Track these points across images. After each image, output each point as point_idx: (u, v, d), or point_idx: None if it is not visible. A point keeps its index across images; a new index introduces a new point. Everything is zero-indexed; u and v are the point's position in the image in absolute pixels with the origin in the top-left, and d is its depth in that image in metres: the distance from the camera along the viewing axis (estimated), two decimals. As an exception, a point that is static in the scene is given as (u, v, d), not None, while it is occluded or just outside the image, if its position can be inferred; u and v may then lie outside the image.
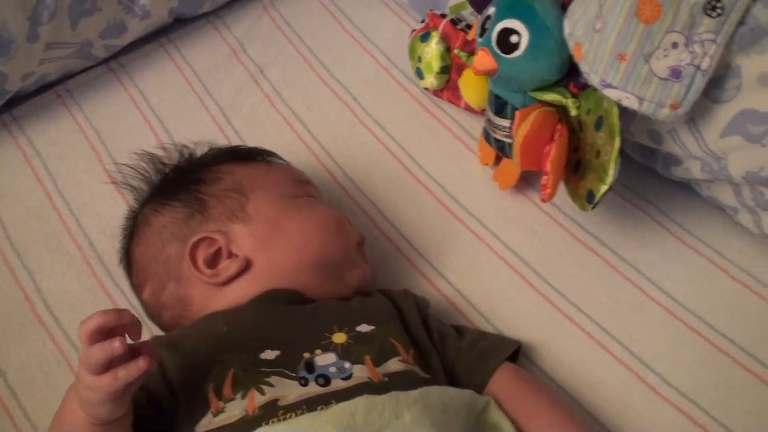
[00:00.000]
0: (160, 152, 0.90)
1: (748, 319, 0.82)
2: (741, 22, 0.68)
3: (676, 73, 0.71)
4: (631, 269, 0.87)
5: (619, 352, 0.81)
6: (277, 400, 0.64)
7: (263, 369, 0.67)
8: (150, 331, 0.84)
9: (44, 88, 1.08)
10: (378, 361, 0.69)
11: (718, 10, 0.68)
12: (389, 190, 0.97)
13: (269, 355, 0.68)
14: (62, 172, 1.00)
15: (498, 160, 0.95)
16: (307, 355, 0.68)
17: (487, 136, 0.92)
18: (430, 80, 1.00)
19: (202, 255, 0.77)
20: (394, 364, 0.69)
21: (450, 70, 1.00)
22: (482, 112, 0.96)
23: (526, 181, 0.94)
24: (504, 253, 0.90)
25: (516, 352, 0.80)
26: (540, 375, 0.80)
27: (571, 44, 0.79)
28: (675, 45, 0.70)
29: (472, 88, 0.95)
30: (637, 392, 0.79)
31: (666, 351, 0.81)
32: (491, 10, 0.84)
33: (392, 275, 0.89)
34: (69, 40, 1.02)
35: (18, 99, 1.06)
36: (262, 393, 0.64)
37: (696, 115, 0.75)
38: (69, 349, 0.85)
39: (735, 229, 0.88)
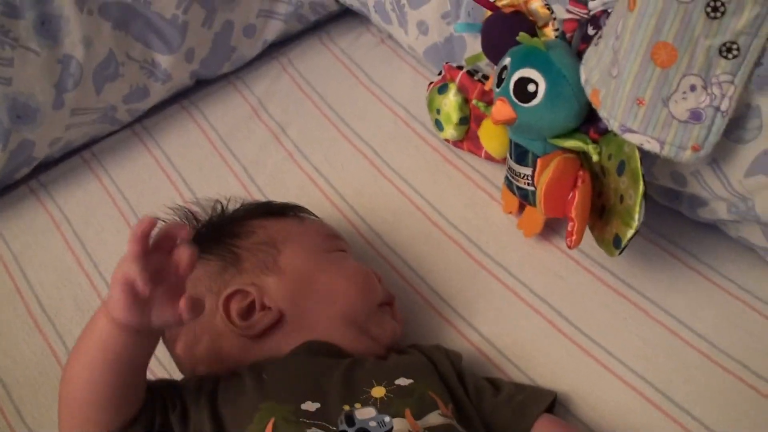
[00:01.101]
0: (192, 207, 0.91)
1: (785, 360, 0.81)
2: (758, 63, 0.69)
3: (696, 116, 0.72)
4: (663, 313, 0.86)
5: (656, 397, 0.80)
6: (317, 451, 0.63)
7: (303, 420, 0.66)
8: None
9: (70, 153, 1.11)
10: (418, 415, 0.68)
11: (734, 52, 0.68)
12: (415, 242, 0.97)
13: (310, 406, 0.68)
14: (90, 236, 1.02)
15: (521, 208, 0.95)
16: (347, 407, 0.68)
17: (509, 184, 0.93)
18: (450, 131, 1.01)
19: (235, 307, 0.78)
20: (434, 418, 0.69)
21: (469, 121, 1.00)
22: (503, 161, 0.96)
23: (551, 227, 0.94)
24: (533, 301, 0.89)
25: (552, 403, 0.79)
26: (577, 425, 0.79)
27: (588, 91, 0.80)
28: (693, 87, 0.71)
29: (491, 137, 0.96)
30: (676, 438, 0.77)
31: (703, 395, 0.79)
32: (507, 61, 0.85)
33: (423, 328, 0.89)
34: (94, 106, 1.04)
35: (45, 165, 1.08)
36: None
37: (719, 156, 0.75)
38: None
39: (766, 268, 0.87)
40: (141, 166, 1.10)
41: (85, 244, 1.01)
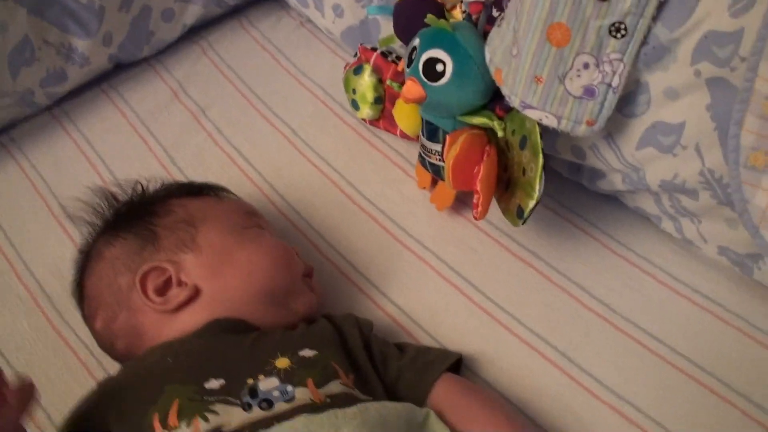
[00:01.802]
0: (112, 188, 0.92)
1: (678, 322, 0.86)
2: (644, 42, 0.74)
3: (589, 92, 0.76)
4: (566, 280, 0.91)
5: (557, 358, 0.85)
6: (221, 426, 0.66)
7: (207, 398, 0.68)
8: (102, 366, 0.86)
9: (-13, 138, 1.11)
10: (320, 384, 0.71)
11: (623, 32, 0.73)
12: (333, 218, 1.00)
13: (214, 384, 0.70)
14: (9, 218, 1.02)
15: (434, 183, 0.99)
16: (250, 381, 0.70)
17: (422, 160, 0.96)
18: (366, 111, 1.04)
19: (152, 284, 0.79)
20: (335, 387, 0.71)
21: (384, 101, 1.04)
22: (417, 138, 1.00)
23: (463, 201, 0.98)
24: (445, 272, 0.93)
25: (458, 365, 0.83)
26: (483, 385, 0.83)
27: (492, 70, 0.84)
28: (586, 65, 0.75)
29: (405, 116, 0.99)
30: (575, 395, 0.82)
31: (601, 355, 0.84)
32: (416, 42, 0.88)
33: (339, 299, 0.92)
34: (10, 90, 1.04)
35: (-39, 150, 1.08)
36: (207, 420, 0.66)
37: (613, 130, 0.80)
38: (22, 392, 0.85)
39: (661, 236, 0.92)
40: (60, 149, 1.10)
41: (3, 225, 1.01)
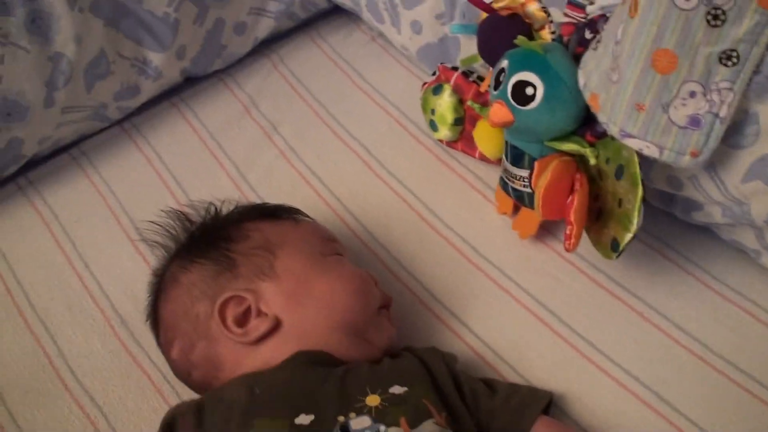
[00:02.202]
0: (186, 209, 0.91)
1: (776, 361, 0.82)
2: (756, 71, 0.70)
3: (695, 122, 0.73)
4: (658, 315, 0.87)
5: (651, 399, 0.81)
6: (314, 465, 0.63)
7: None
8: (176, 392, 0.85)
9: (59, 150, 1.09)
10: (413, 423, 0.68)
11: (734, 60, 0.69)
12: (409, 243, 0.97)
13: (304, 419, 0.68)
14: (81, 234, 1.01)
15: (516, 209, 0.96)
16: (341, 418, 0.68)
17: (504, 186, 0.93)
18: (445, 132, 1.01)
19: (231, 313, 0.77)
20: (428, 426, 0.68)
21: (464, 122, 1.01)
22: (497, 162, 0.97)
23: (546, 229, 0.95)
24: (528, 303, 0.90)
25: (548, 404, 0.79)
26: (572, 425, 0.80)
27: (587, 95, 0.80)
28: (693, 94, 0.72)
29: (487, 138, 0.96)
30: (670, 439, 0.79)
31: (697, 396, 0.81)
32: (504, 63, 0.85)
33: (418, 329, 0.89)
34: (84, 104, 1.03)
35: (33, 162, 1.07)
36: None
37: (716, 161, 0.76)
38: (95, 414, 0.84)
39: (758, 271, 0.88)
40: (131, 163, 1.09)
41: (76, 242, 1.00)
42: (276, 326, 0.77)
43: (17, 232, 1.01)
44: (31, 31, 0.94)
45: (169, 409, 0.75)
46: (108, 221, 1.02)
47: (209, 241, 0.83)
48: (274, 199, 0.97)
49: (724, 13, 0.67)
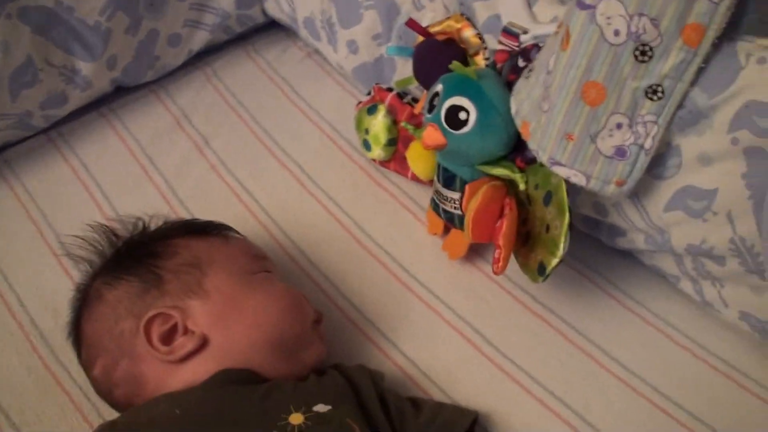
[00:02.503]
0: (112, 224, 0.88)
1: (695, 385, 0.85)
2: (680, 106, 0.72)
3: (621, 152, 0.75)
4: (582, 338, 0.89)
5: (574, 420, 0.82)
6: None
7: None
8: (97, 410, 0.83)
9: (-21, 159, 1.06)
10: None
11: (659, 94, 0.72)
12: (340, 261, 0.97)
13: None
14: (0, 246, 0.97)
15: (446, 230, 0.97)
16: None
17: (435, 207, 0.94)
18: (378, 152, 1.02)
19: (157, 331, 0.75)
20: None
21: (397, 142, 1.02)
22: (429, 182, 0.98)
23: (475, 250, 0.96)
24: (456, 323, 0.91)
25: (473, 423, 0.80)
26: (497, 446, 0.81)
27: (518, 122, 0.82)
28: (620, 126, 0.74)
29: (419, 160, 0.97)
30: (591, 461, 0.80)
31: (619, 418, 0.82)
32: (439, 87, 0.86)
33: (347, 348, 0.89)
34: (8, 111, 1.00)
35: (-47, 170, 1.04)
36: None
37: (640, 190, 0.79)
38: (10, 433, 0.81)
39: (677, 295, 0.91)
40: (56, 174, 1.06)
41: (-3, 257, 0.97)
42: (203, 345, 0.76)
43: (-68, 241, 0.98)
44: (-45, 36, 0.91)
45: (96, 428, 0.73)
46: (30, 233, 0.99)
47: (136, 257, 0.82)
48: (204, 213, 0.96)
49: (651, 49, 0.70)
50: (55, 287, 0.93)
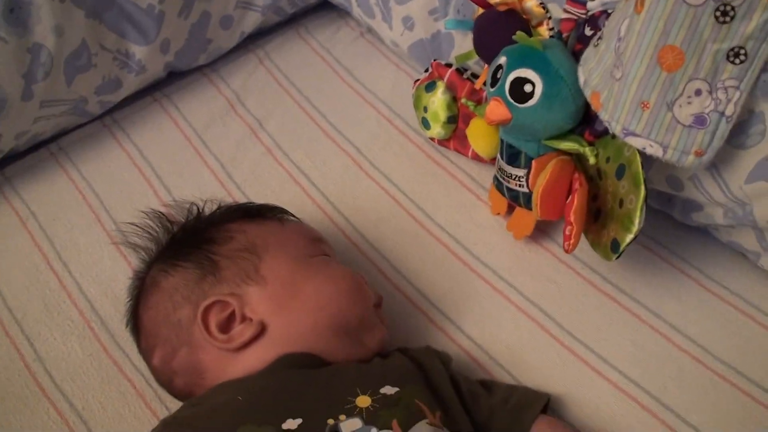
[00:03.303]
0: (166, 210, 0.87)
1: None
2: (764, 69, 0.68)
3: (700, 120, 0.71)
4: (655, 317, 0.85)
5: (649, 402, 0.79)
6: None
7: None
8: (159, 397, 0.82)
9: (37, 146, 1.05)
10: (405, 425, 0.65)
11: (742, 57, 0.68)
12: (401, 243, 0.95)
13: (291, 424, 0.65)
14: (59, 233, 0.97)
15: (510, 209, 0.94)
16: (331, 421, 0.65)
17: (498, 185, 0.91)
18: (437, 130, 0.99)
19: (214, 319, 0.74)
20: (422, 427, 0.66)
21: (457, 120, 0.99)
22: (491, 161, 0.95)
23: (540, 229, 0.93)
24: (523, 305, 0.88)
25: (546, 405, 0.77)
26: (571, 426, 0.78)
27: (587, 93, 0.79)
28: (698, 92, 0.70)
29: (481, 137, 0.94)
30: (670, 444, 0.77)
31: (697, 400, 0.79)
32: (502, 60, 0.83)
33: (409, 332, 0.87)
34: (64, 97, 0.99)
35: (9, 158, 1.03)
36: None
37: (719, 161, 0.75)
38: (74, 420, 0.80)
39: (757, 273, 0.87)
40: (112, 160, 1.05)
41: (54, 241, 0.96)
42: (261, 331, 0.74)
43: (-7, 230, 0.97)
44: (9, 22, 0.90)
45: (160, 421, 0.72)
46: (87, 220, 0.98)
47: (191, 243, 0.80)
48: (260, 197, 0.94)
49: (733, 9, 0.66)
50: (113, 274, 0.92)
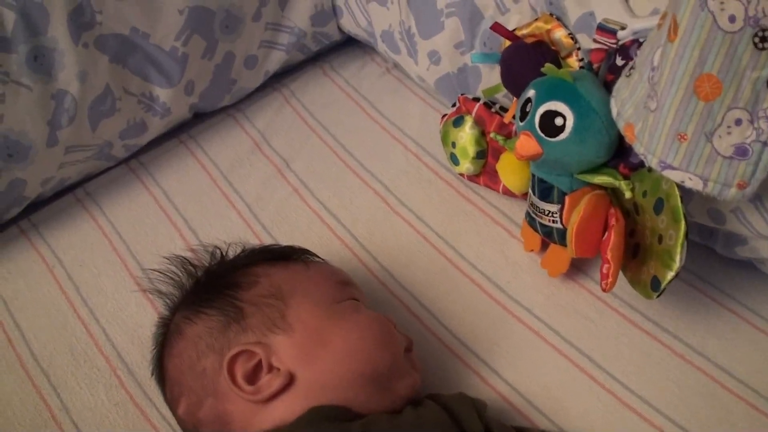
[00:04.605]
0: (189, 254, 0.86)
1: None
2: (807, 95, 0.65)
3: (741, 151, 0.68)
4: (701, 357, 0.81)
5: (698, 449, 0.75)
6: None
7: None
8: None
9: (63, 191, 1.05)
10: None
11: (783, 84, 0.65)
12: (432, 283, 0.92)
13: None
14: (85, 279, 0.96)
15: (544, 245, 0.91)
16: None
17: (531, 221, 0.88)
18: (466, 165, 0.97)
19: (241, 369, 0.72)
20: None
21: (486, 155, 0.96)
22: (522, 196, 0.92)
23: (576, 266, 0.90)
24: (560, 345, 0.85)
25: (586, 455, 0.74)
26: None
27: (621, 125, 0.76)
28: (739, 122, 0.67)
29: (511, 172, 0.92)
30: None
31: (747, 444, 0.75)
32: (531, 93, 0.81)
33: (442, 376, 0.84)
34: (89, 143, 0.99)
35: (36, 204, 1.03)
36: None
37: (763, 192, 0.71)
38: (101, 473, 0.79)
39: (807, 308, 0.83)
40: (138, 204, 1.04)
41: (80, 287, 0.95)
42: (289, 382, 0.71)
43: (19, 277, 0.96)
44: (34, 69, 0.90)
45: None
46: (114, 265, 0.97)
47: (215, 288, 0.78)
48: (288, 238, 0.93)
49: (772, 34, 0.63)
50: (140, 320, 0.91)
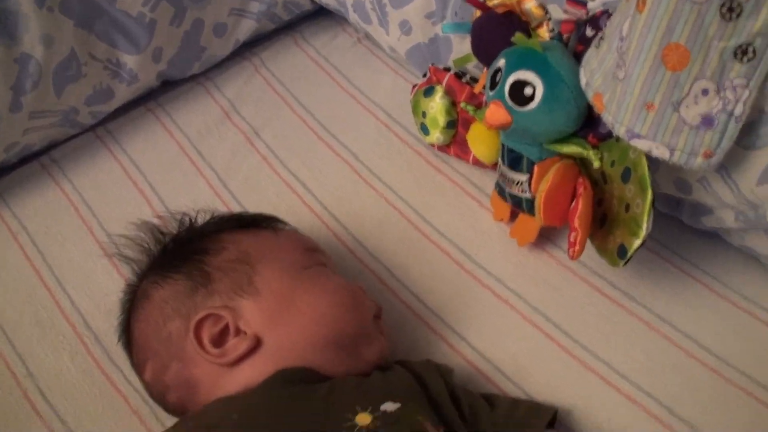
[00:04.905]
0: (157, 221, 0.85)
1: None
2: (774, 66, 0.66)
3: (708, 121, 0.68)
4: (666, 325, 0.82)
5: (663, 415, 0.76)
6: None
7: None
8: (155, 413, 0.79)
9: (27, 158, 1.03)
10: None
11: (750, 55, 0.65)
12: (401, 251, 0.92)
13: None
14: (50, 246, 0.95)
15: (513, 215, 0.91)
16: None
17: (500, 191, 0.89)
18: (436, 135, 0.97)
19: (207, 333, 0.71)
20: None
21: (456, 125, 0.96)
22: (492, 166, 0.93)
23: (544, 236, 0.90)
24: (528, 313, 0.85)
25: (553, 419, 0.75)
26: (579, 442, 0.76)
27: (590, 94, 0.76)
28: (705, 92, 0.67)
29: (481, 142, 0.92)
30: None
31: (711, 410, 0.76)
32: (501, 62, 0.81)
33: (411, 343, 0.84)
34: (53, 108, 0.97)
35: (0, 170, 1.01)
36: None
37: (729, 162, 0.72)
38: (66, 439, 0.78)
39: (769, 277, 0.85)
40: (105, 172, 1.03)
41: (45, 255, 0.94)
42: (256, 345, 0.71)
43: (-18, 244, 0.95)
44: (-4, 32, 0.89)
45: None
46: (80, 232, 0.96)
47: (183, 254, 0.78)
48: (257, 207, 0.92)
49: (739, 5, 0.63)
50: (107, 288, 0.90)
